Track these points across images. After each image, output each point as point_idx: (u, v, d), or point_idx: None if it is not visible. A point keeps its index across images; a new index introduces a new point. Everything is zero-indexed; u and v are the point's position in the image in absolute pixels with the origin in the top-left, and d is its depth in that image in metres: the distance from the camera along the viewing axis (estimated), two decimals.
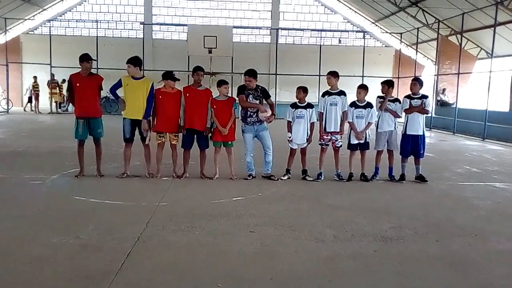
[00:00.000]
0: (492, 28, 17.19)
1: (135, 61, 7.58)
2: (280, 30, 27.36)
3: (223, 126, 7.64)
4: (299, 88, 8.12)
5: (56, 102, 24.25)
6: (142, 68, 8.00)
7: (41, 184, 7.15)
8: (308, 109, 8.03)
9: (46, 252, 4.31)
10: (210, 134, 7.82)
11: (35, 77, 24.06)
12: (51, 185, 7.21)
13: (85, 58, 7.51)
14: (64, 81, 23.67)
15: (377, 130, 8.29)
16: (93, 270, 3.90)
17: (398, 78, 24.42)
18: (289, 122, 8.09)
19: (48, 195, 6.66)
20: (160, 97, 7.63)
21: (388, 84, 8.24)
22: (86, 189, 6.93)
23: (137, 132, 7.66)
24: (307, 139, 8.05)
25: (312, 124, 8.04)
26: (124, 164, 7.77)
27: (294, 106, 8.10)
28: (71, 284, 3.65)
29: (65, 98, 23.80)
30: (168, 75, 7.67)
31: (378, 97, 8.28)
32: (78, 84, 7.50)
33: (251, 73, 7.93)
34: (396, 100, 8.31)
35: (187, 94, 7.63)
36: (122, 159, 7.82)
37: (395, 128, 8.24)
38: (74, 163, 8.01)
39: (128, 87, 7.50)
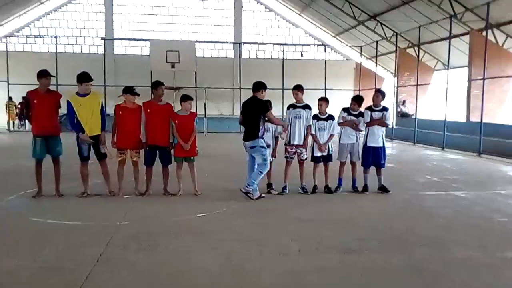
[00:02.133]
0: (448, 41, 17.79)
1: (89, 78, 7.34)
2: (243, 44, 27.53)
3: (185, 142, 7.55)
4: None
5: (12, 121, 23.81)
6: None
7: None
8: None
9: (1, 277, 4.11)
10: (171, 150, 7.72)
11: (10, 97, 23.39)
12: (7, 206, 6.94)
13: (43, 74, 7.28)
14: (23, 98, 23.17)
15: (339, 142, 8.39)
16: None
17: (359, 90, 24.91)
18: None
19: (4, 217, 6.40)
20: (120, 112, 7.49)
21: (357, 101, 8.35)
22: (44, 210, 6.68)
23: (92, 150, 7.47)
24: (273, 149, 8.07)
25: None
26: (83, 183, 7.55)
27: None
28: None
29: (19, 115, 23.33)
30: (128, 90, 7.55)
31: (343, 109, 8.39)
32: (35, 101, 7.25)
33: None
34: (360, 114, 8.41)
35: (148, 110, 7.51)
36: (81, 178, 7.59)
37: (357, 140, 8.36)
38: (31, 183, 7.72)
39: (81, 107, 7.24)
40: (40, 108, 7.25)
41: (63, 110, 7.50)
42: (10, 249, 4.90)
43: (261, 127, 7.48)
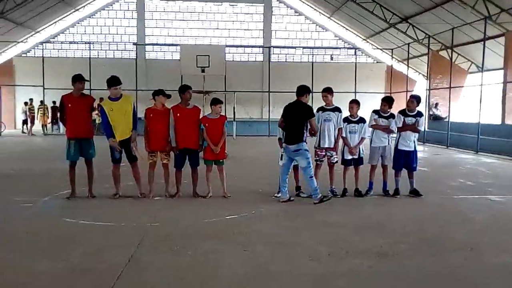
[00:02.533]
0: (482, 42, 17.36)
1: (117, 81, 7.46)
2: (272, 48, 27.56)
3: (214, 144, 7.59)
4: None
5: (44, 125, 24.37)
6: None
7: (32, 207, 7.04)
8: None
9: (32, 278, 4.20)
10: (201, 152, 7.78)
11: (30, 100, 24.10)
12: (41, 207, 7.11)
13: (77, 79, 7.46)
14: (54, 103, 23.83)
15: (371, 145, 8.28)
16: None
17: (390, 93, 24.53)
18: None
19: (38, 218, 6.55)
20: (151, 115, 7.62)
21: (388, 102, 8.23)
22: (77, 211, 6.82)
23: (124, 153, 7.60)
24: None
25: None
26: (115, 185, 7.69)
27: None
28: None
29: (52, 119, 23.98)
30: (160, 92, 7.68)
31: (373, 111, 8.28)
32: (70, 105, 7.44)
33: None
34: (391, 116, 8.28)
35: (178, 114, 7.59)
36: (113, 180, 7.73)
37: (388, 143, 8.22)
38: (65, 185, 7.90)
39: (113, 112, 7.38)
40: (74, 112, 7.43)
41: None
42: (43, 249, 5.01)
43: (305, 132, 7.45)
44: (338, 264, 4.65)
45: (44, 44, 27.21)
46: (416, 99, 8.29)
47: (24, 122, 24.37)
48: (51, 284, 4.06)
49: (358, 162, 8.14)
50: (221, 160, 7.78)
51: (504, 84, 17.72)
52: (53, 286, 4.02)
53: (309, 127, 7.44)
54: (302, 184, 8.08)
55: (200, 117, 7.85)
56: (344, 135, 8.05)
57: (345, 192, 8.07)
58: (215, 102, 7.75)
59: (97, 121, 21.51)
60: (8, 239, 5.40)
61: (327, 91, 8.08)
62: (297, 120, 7.45)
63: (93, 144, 7.65)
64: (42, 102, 24.21)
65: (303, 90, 7.59)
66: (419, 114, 8.21)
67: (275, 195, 7.90)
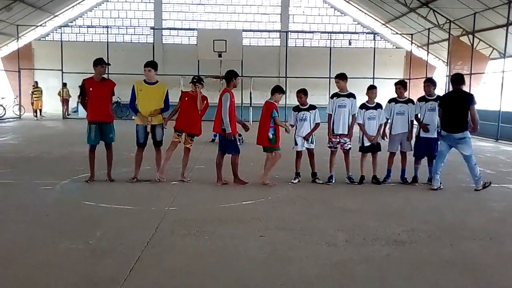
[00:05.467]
0: (505, 28, 16.96)
1: (155, 65, 7.66)
2: (289, 33, 27.32)
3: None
4: (299, 91, 8.07)
5: (37, 110, 23.86)
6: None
7: (51, 190, 7.16)
8: (311, 111, 7.99)
9: (53, 258, 4.29)
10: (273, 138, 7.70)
11: (35, 82, 24.11)
12: (61, 190, 7.22)
13: (99, 62, 7.51)
14: (65, 85, 23.92)
15: (390, 133, 8.19)
16: (101, 276, 3.88)
17: (410, 79, 24.23)
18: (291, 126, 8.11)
19: (58, 200, 6.67)
20: (186, 98, 7.75)
21: (402, 85, 8.17)
22: (96, 194, 6.92)
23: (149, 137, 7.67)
24: (311, 141, 8.00)
25: (316, 125, 8.01)
26: (135, 168, 7.76)
27: (296, 109, 8.11)
28: None
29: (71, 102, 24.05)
30: (199, 79, 7.87)
31: (389, 101, 8.17)
32: (91, 89, 7.49)
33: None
34: (409, 101, 8.18)
35: (233, 99, 7.60)
36: (132, 164, 7.81)
37: (408, 130, 8.10)
38: (84, 168, 8.01)
39: (142, 92, 7.50)
40: (95, 96, 7.49)
41: (115, 98, 7.73)
42: (64, 231, 5.10)
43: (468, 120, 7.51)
44: (355, 250, 4.65)
45: (62, 28, 27.40)
46: (432, 83, 8.17)
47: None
48: (73, 264, 4.14)
49: (376, 149, 8.07)
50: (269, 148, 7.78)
51: None
52: (75, 266, 4.09)
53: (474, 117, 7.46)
54: (318, 170, 8.06)
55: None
56: (361, 122, 7.99)
57: (362, 179, 8.02)
58: (280, 90, 7.79)
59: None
60: (29, 221, 5.50)
61: (340, 77, 8.00)
62: (459, 108, 7.42)
63: (113, 128, 7.71)
64: (36, 84, 23.90)
65: (460, 79, 7.67)
66: (439, 99, 8.07)
67: (292, 181, 7.90)
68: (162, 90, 7.61)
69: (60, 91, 24.42)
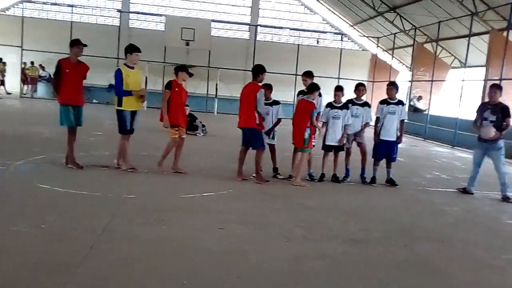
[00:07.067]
0: (467, 38, 17.50)
1: (138, 49, 7.40)
2: (259, 27, 27.28)
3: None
4: (263, 85, 7.90)
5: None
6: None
7: (4, 170, 6.88)
8: (274, 106, 8.03)
9: (4, 241, 4.13)
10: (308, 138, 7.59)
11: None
12: (14, 171, 6.95)
13: (76, 43, 7.24)
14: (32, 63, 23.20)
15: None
16: (55, 261, 3.75)
17: (373, 82, 24.69)
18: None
19: (11, 182, 6.42)
20: (177, 89, 7.49)
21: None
22: (51, 177, 6.69)
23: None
24: (272, 136, 8.03)
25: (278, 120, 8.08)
26: (126, 158, 7.44)
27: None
28: (31, 274, 3.49)
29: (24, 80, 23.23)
30: (183, 68, 7.64)
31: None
32: (67, 70, 7.17)
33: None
34: (365, 104, 8.33)
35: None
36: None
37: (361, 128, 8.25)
38: (40, 150, 7.74)
39: (129, 78, 7.24)
40: (71, 78, 7.20)
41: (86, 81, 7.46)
42: (16, 213, 4.92)
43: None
44: (313, 247, 4.70)
45: (24, 3, 26.34)
46: (394, 86, 8.33)
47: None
48: (26, 248, 4.00)
49: (339, 148, 8.16)
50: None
51: (485, 81, 17.94)
52: (28, 250, 3.95)
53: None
54: (279, 166, 8.09)
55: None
56: (325, 120, 8.05)
57: (322, 177, 8.11)
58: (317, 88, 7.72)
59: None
60: None
61: (307, 75, 8.08)
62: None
63: (82, 112, 7.46)
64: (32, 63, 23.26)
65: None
66: (401, 103, 8.26)
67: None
68: (141, 73, 7.52)
69: (31, 69, 23.64)
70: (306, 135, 7.54)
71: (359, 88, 8.33)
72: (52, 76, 24.51)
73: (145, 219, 5.03)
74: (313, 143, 7.80)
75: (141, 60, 7.51)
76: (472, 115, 8.64)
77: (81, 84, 7.39)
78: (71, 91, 7.24)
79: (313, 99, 7.66)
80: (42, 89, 24.45)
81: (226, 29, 28.77)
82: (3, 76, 23.55)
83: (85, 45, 7.38)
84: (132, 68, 7.35)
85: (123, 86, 7.18)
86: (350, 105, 8.11)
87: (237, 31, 29.10)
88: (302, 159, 7.68)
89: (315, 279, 3.93)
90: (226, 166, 8.44)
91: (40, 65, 24.29)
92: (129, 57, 7.34)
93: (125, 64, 7.38)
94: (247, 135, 7.55)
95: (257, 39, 25.72)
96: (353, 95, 8.37)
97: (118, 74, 7.22)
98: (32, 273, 3.52)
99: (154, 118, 7.79)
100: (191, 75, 7.68)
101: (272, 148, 8.07)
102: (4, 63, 23.42)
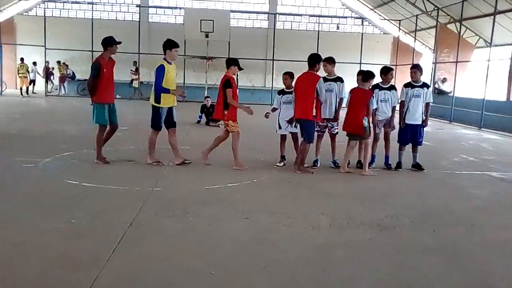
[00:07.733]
0: (492, 17, 17.03)
1: (177, 44, 7.39)
2: (278, 15, 27.09)
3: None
4: (285, 73, 8.05)
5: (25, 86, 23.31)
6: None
7: (34, 167, 7.04)
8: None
9: (34, 237, 4.22)
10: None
11: (21, 59, 23.48)
12: (43, 168, 7.10)
13: (114, 42, 7.26)
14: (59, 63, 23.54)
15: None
16: (83, 256, 3.82)
17: (396, 65, 24.29)
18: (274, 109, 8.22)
19: (40, 178, 6.56)
20: (234, 84, 7.53)
21: (419, 69, 8.12)
22: (79, 173, 6.81)
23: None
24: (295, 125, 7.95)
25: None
26: (152, 152, 7.50)
27: (281, 92, 8.12)
28: (59, 269, 3.56)
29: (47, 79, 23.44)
30: (236, 62, 7.66)
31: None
32: (105, 70, 7.18)
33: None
34: (392, 87, 8.18)
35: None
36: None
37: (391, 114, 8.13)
38: (67, 147, 7.88)
39: (169, 74, 7.21)
40: (108, 77, 7.25)
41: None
42: (46, 209, 5.03)
43: None
44: (339, 234, 4.67)
45: (46, 3, 26.76)
46: (418, 69, 8.14)
47: (31, 82, 23.71)
48: (55, 243, 4.07)
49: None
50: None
51: None
52: (57, 245, 4.03)
53: None
54: (287, 153, 8.09)
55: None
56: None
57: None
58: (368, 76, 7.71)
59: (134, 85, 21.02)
60: (10, 198, 5.42)
61: (327, 61, 7.95)
62: None
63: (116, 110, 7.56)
64: (22, 60, 23.14)
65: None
66: (426, 85, 8.09)
67: (277, 164, 7.89)
68: (175, 70, 7.51)
69: (60, 68, 24.07)
70: (366, 123, 7.50)
71: (391, 72, 8.19)
72: (74, 74, 24.92)
73: (172, 212, 5.08)
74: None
75: (161, 54, 7.51)
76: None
77: (113, 81, 7.45)
78: (109, 89, 7.32)
79: (368, 87, 7.57)
80: (68, 87, 24.85)
81: (245, 19, 28.68)
82: (33, 76, 23.76)
83: (120, 43, 7.39)
84: (170, 63, 7.34)
85: (163, 82, 7.15)
86: (377, 90, 7.97)
87: (256, 20, 28.98)
88: (366, 148, 7.62)
89: (343, 266, 3.91)
90: (250, 157, 8.44)
91: (64, 63, 24.64)
92: (169, 53, 7.30)
93: (164, 59, 7.33)
94: (302, 126, 7.52)
95: (276, 27, 25.54)
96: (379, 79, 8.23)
97: (161, 70, 7.13)
98: (59, 268, 3.57)
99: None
100: (241, 68, 7.65)
101: (294, 136, 8.02)
102: (34, 63, 23.74)
